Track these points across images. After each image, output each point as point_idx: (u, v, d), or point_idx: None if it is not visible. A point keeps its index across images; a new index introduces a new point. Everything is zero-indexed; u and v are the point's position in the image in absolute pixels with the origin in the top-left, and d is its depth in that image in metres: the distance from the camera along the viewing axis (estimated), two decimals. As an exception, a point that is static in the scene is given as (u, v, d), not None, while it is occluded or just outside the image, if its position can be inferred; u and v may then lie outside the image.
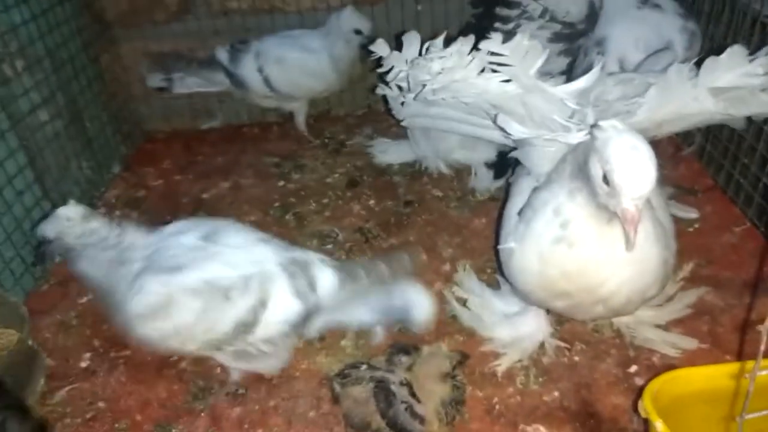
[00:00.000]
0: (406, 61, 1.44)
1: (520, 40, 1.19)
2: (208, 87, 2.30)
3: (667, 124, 1.23)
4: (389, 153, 2.22)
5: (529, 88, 1.23)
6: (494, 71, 1.25)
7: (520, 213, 1.27)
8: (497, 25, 2.00)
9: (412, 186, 2.08)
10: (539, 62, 1.21)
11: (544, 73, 2.00)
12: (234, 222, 1.41)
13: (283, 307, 1.27)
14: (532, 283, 1.23)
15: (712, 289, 1.49)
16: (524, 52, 1.20)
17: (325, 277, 1.31)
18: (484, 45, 1.23)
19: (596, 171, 1.02)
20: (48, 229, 1.30)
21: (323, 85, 2.25)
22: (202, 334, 1.24)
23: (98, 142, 2.18)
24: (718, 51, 1.15)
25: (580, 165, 1.10)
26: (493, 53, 1.23)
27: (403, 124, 1.81)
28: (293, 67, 2.19)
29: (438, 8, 2.36)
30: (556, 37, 2.00)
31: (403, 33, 1.49)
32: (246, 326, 1.24)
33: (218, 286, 1.23)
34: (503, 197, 1.56)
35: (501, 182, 1.95)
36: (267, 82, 2.20)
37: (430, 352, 1.32)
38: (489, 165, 1.95)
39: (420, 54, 1.41)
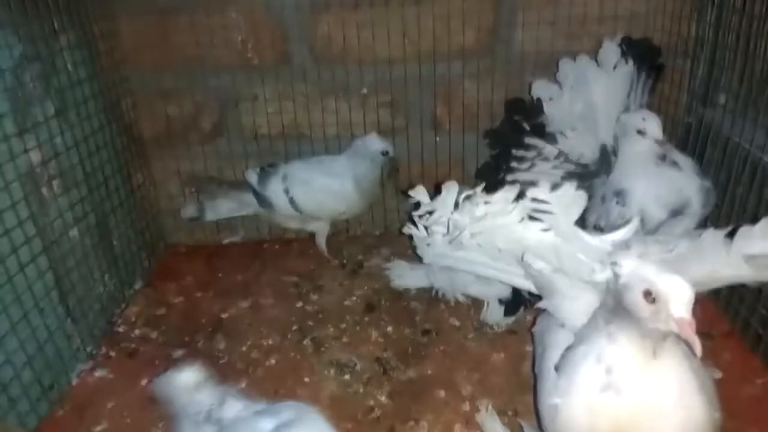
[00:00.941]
0: (453, 205, 1.51)
1: (567, 189, 1.26)
2: (238, 211, 2.39)
3: (698, 285, 1.27)
4: (406, 278, 2.25)
5: (567, 237, 1.29)
6: (533, 218, 1.32)
7: (557, 368, 1.28)
8: (513, 164, 2.11)
9: (430, 313, 2.10)
10: (580, 210, 1.27)
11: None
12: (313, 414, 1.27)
13: None
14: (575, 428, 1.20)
15: (737, 447, 1.47)
16: (570, 201, 1.26)
17: None
18: (531, 192, 1.29)
19: (636, 298, 1.05)
20: (161, 390, 1.30)
21: (345, 206, 2.33)
22: None
23: (123, 258, 2.23)
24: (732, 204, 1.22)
25: (612, 308, 1.14)
26: (537, 200, 1.29)
27: (425, 262, 1.85)
28: (318, 190, 2.28)
29: (456, 140, 2.47)
30: (569, 176, 2.10)
31: (440, 183, 1.58)
32: None
33: None
34: (534, 346, 1.57)
35: (511, 319, 1.98)
36: (293, 202, 2.28)
37: None
38: (501, 301, 1.98)
39: (457, 202, 1.48)
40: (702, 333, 1.84)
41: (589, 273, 1.29)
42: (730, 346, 1.82)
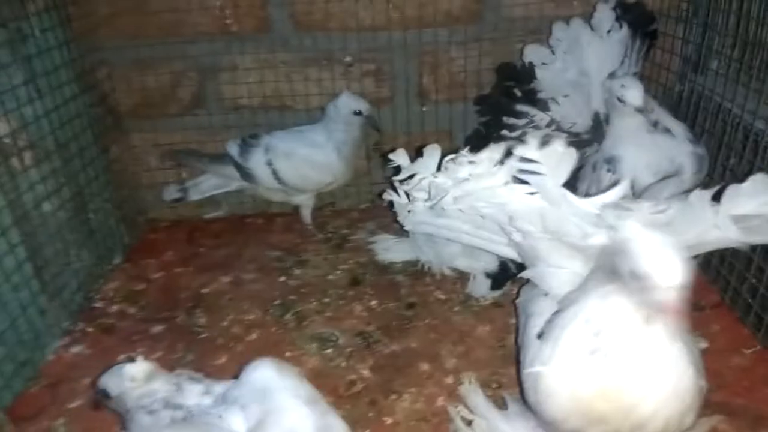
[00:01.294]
0: (435, 167, 1.45)
1: (556, 147, 1.20)
2: (221, 188, 2.33)
3: (687, 249, 1.22)
4: (392, 251, 2.21)
5: (555, 200, 1.23)
6: (519, 180, 1.27)
7: (540, 336, 1.24)
8: (504, 132, 2.05)
9: (415, 287, 2.06)
10: (570, 170, 1.21)
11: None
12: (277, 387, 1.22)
13: None
14: (565, 407, 1.15)
15: (725, 418, 1.44)
16: (558, 159, 1.20)
17: None
18: (519, 150, 1.24)
19: (625, 270, 1.01)
20: (111, 386, 1.25)
21: (331, 177, 2.27)
22: None
23: (101, 233, 2.17)
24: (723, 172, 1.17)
25: (609, 270, 1.09)
26: (525, 159, 1.24)
27: (407, 229, 1.81)
28: (301, 161, 2.22)
29: (443, 110, 2.41)
30: (560, 143, 2.05)
31: (422, 146, 1.53)
32: None
33: None
34: (517, 317, 1.53)
35: (498, 292, 1.94)
36: (276, 175, 2.22)
37: None
38: (488, 275, 1.93)
39: (439, 165, 1.43)
40: (693, 304, 1.84)
41: (581, 237, 1.24)
42: (719, 317, 1.79)
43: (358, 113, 2.15)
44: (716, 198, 1.14)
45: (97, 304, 2.02)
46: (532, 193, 1.26)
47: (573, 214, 1.23)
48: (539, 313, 1.32)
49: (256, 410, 1.15)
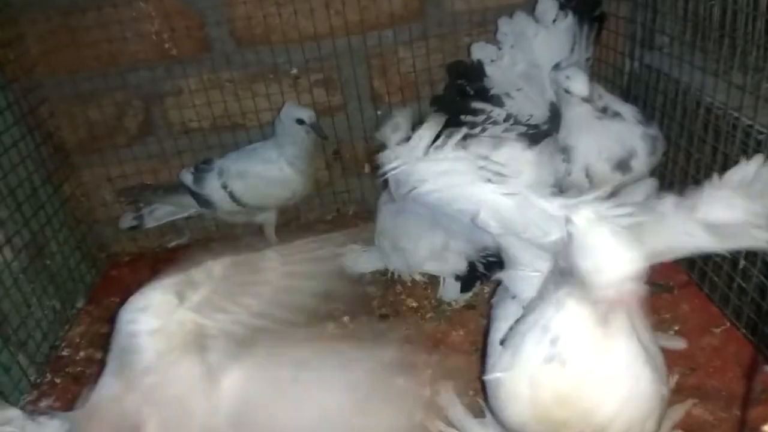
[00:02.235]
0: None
1: (513, 148, 1.19)
2: (178, 214, 2.28)
3: (658, 255, 1.21)
4: (360, 262, 2.18)
5: (521, 201, 1.22)
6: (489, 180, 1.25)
7: (503, 342, 1.22)
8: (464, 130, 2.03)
9: (386, 296, 2.03)
10: (533, 173, 1.20)
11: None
12: None
13: None
14: (524, 414, 1.14)
15: (699, 402, 1.44)
16: (517, 161, 1.19)
17: None
18: (476, 149, 1.22)
19: (577, 263, 0.98)
20: None
21: (289, 192, 2.23)
22: None
23: (61, 276, 2.12)
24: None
25: (563, 269, 1.07)
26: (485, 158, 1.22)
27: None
28: (256, 180, 2.17)
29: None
30: (521, 138, 2.02)
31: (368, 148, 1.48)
32: None
33: None
34: (487, 318, 1.51)
35: (468, 295, 1.93)
36: (233, 197, 2.17)
37: None
38: (457, 277, 1.92)
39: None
40: (662, 286, 1.85)
41: (542, 235, 1.22)
42: (688, 296, 1.79)
43: (300, 122, 2.10)
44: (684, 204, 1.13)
45: (64, 352, 1.97)
46: (500, 192, 1.24)
47: (537, 215, 1.22)
48: (504, 317, 1.29)
49: None
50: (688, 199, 1.16)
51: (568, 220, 1.03)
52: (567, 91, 1.76)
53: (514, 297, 1.33)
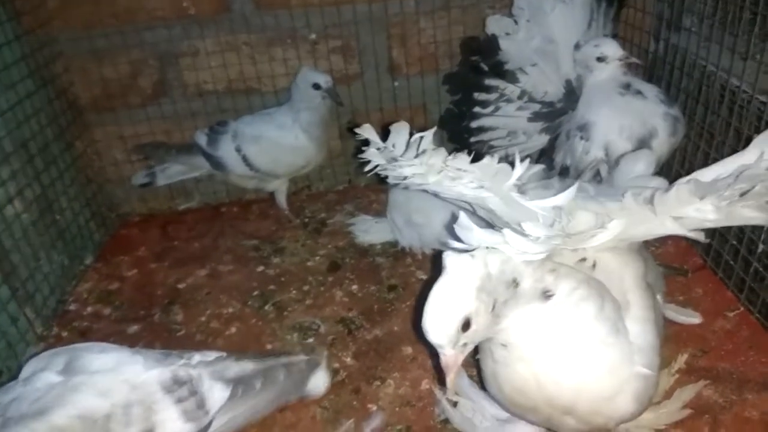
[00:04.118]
0: (384, 158, 1.40)
1: (489, 163, 1.16)
2: (190, 173, 2.27)
3: (644, 237, 1.19)
4: (371, 232, 2.17)
5: (503, 198, 1.19)
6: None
7: None
8: (477, 109, 2.00)
9: (396, 268, 2.02)
10: (512, 179, 1.16)
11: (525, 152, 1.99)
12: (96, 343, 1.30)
13: None
14: (499, 398, 1.20)
15: (710, 383, 1.43)
16: (494, 172, 1.16)
17: (216, 393, 1.24)
18: (451, 162, 1.19)
19: None
20: None
21: (303, 160, 2.21)
22: None
23: (70, 232, 2.11)
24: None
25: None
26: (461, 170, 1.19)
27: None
28: (270, 145, 2.15)
29: (415, 84, 2.35)
30: (535, 116, 2.00)
31: (390, 123, 1.46)
32: None
33: (95, 419, 1.12)
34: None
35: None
36: (246, 161, 2.16)
37: None
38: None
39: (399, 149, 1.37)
40: (676, 269, 1.83)
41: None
42: (702, 280, 1.77)
43: (316, 87, 2.07)
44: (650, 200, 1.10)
45: (71, 307, 1.97)
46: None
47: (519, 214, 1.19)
48: None
49: None
50: (648, 195, 1.13)
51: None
52: (600, 59, 1.73)
53: None
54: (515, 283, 1.01)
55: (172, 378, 1.21)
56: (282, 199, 2.34)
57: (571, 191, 1.09)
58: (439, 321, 0.96)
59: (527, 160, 1.18)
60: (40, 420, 1.11)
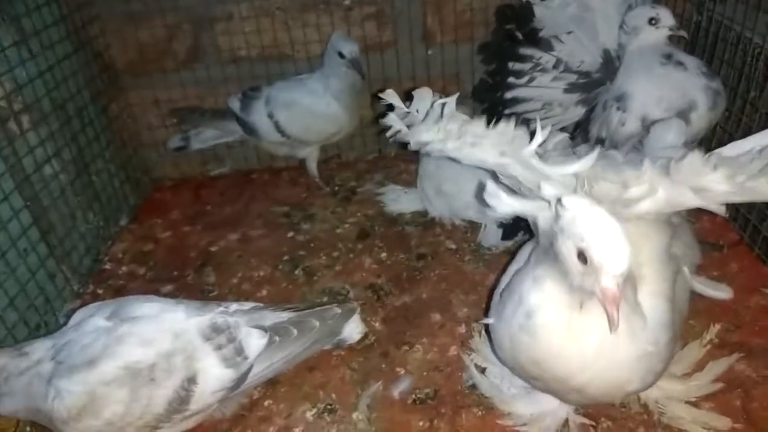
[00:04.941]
0: (405, 124, 1.40)
1: (505, 128, 1.15)
2: (223, 138, 2.29)
3: (669, 208, 1.17)
4: (401, 202, 2.17)
5: (524, 163, 1.18)
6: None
7: (502, 294, 1.23)
8: (511, 80, 1.97)
9: (425, 237, 2.02)
10: (533, 146, 1.14)
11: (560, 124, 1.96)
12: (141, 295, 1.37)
13: (215, 380, 1.24)
14: (508, 361, 1.20)
15: (742, 357, 1.42)
16: (510, 138, 1.15)
17: (253, 340, 1.29)
18: (467, 127, 1.18)
19: (568, 250, 0.97)
20: None
21: (334, 127, 2.21)
22: (138, 420, 1.19)
23: (106, 194, 2.15)
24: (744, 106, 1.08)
25: (545, 248, 1.06)
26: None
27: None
28: (302, 112, 2.15)
29: (449, 53, 2.32)
30: (572, 88, 1.96)
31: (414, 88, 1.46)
32: (180, 402, 1.20)
33: (140, 369, 1.18)
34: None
35: (509, 243, 1.90)
36: (278, 127, 2.17)
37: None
38: (501, 224, 1.89)
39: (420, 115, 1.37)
40: (711, 244, 1.80)
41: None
42: (738, 256, 1.74)
43: (341, 55, 2.05)
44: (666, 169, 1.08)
45: (107, 266, 2.02)
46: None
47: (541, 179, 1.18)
48: (517, 260, 1.30)
49: None
50: (664, 164, 1.11)
51: (558, 201, 1.00)
52: (652, 20, 1.70)
53: (539, 242, 1.30)
54: None
55: (210, 326, 1.26)
56: (313, 167, 2.35)
57: (591, 158, 1.08)
58: (625, 244, 0.93)
59: (549, 127, 1.18)
60: (90, 372, 1.16)
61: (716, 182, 1.04)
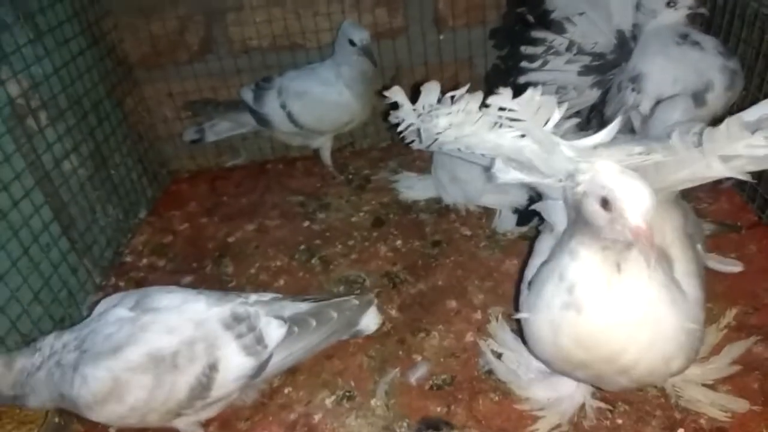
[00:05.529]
0: (417, 115, 1.39)
1: (532, 95, 1.14)
2: (238, 129, 2.31)
3: (685, 184, 1.16)
4: (415, 189, 2.18)
5: (542, 143, 1.18)
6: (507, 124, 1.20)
7: (530, 284, 1.22)
8: (524, 64, 1.95)
9: (440, 224, 2.03)
10: (555, 117, 1.14)
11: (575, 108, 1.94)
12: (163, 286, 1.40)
13: (235, 368, 1.26)
14: (549, 353, 1.18)
15: (761, 340, 1.41)
16: (536, 107, 1.14)
17: (273, 330, 1.31)
18: (493, 101, 1.17)
19: (593, 206, 0.98)
20: None
21: (348, 115, 2.21)
22: (161, 405, 1.22)
23: (124, 187, 2.19)
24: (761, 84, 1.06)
25: (573, 219, 1.06)
26: (503, 109, 1.17)
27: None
28: (315, 101, 2.16)
29: (461, 37, 2.30)
30: (586, 70, 1.94)
31: (421, 83, 1.45)
32: (201, 389, 1.23)
33: (164, 356, 1.21)
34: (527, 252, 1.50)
35: (524, 228, 1.89)
36: (290, 117, 2.17)
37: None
38: (516, 210, 1.88)
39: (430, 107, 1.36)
40: (729, 225, 1.79)
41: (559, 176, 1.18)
42: (757, 237, 1.73)
43: (352, 43, 2.04)
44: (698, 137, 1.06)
45: (127, 259, 2.05)
46: (521, 136, 1.20)
47: (561, 156, 1.17)
48: (539, 252, 1.29)
49: None
50: (696, 133, 1.09)
51: (577, 170, 1.01)
52: (670, 3, 1.68)
53: (552, 231, 1.30)
54: None
55: (231, 315, 1.28)
56: (326, 156, 2.36)
57: (613, 127, 1.08)
58: (645, 186, 0.94)
59: (566, 104, 1.17)
60: (114, 358, 1.19)
61: (756, 146, 1.02)
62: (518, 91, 2.03)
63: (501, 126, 1.17)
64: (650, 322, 1.04)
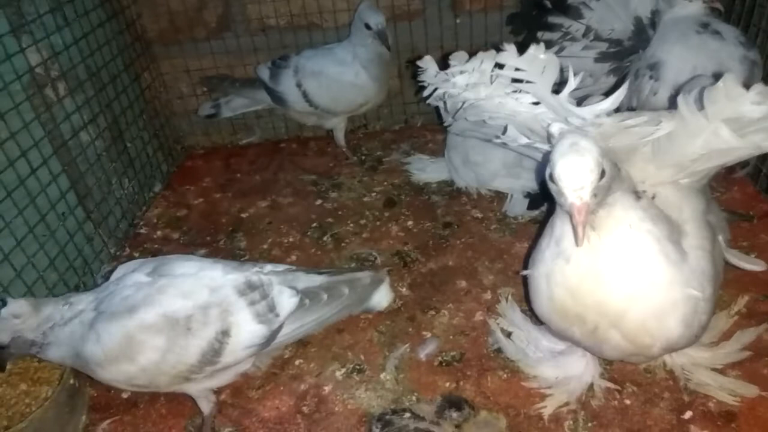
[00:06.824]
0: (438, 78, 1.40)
1: (535, 52, 1.15)
2: (253, 106, 2.32)
3: (702, 160, 1.16)
4: (427, 171, 2.18)
5: (555, 108, 1.18)
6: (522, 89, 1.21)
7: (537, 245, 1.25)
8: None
9: (451, 206, 2.04)
10: (556, 74, 1.15)
11: (590, 92, 1.94)
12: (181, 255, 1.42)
13: (247, 334, 1.28)
14: (547, 307, 1.20)
15: (771, 328, 1.42)
16: (542, 65, 1.15)
17: (285, 299, 1.32)
18: (499, 57, 1.19)
19: (546, 178, 1.02)
20: (1, 337, 1.23)
21: (363, 97, 2.22)
22: (171, 368, 1.24)
23: (140, 161, 2.20)
24: None
25: None
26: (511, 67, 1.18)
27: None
28: (330, 81, 2.16)
29: (478, 22, 2.30)
30: (603, 57, 1.94)
31: (448, 52, 1.46)
32: (213, 354, 1.25)
33: (178, 318, 1.22)
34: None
35: (534, 213, 1.90)
36: (306, 96, 2.18)
37: (485, 420, 1.28)
38: (527, 194, 1.89)
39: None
40: (741, 214, 1.78)
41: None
42: (768, 228, 1.73)
43: (367, 26, 2.05)
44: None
45: (142, 230, 2.08)
46: (536, 103, 1.21)
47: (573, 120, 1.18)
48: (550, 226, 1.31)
49: None
50: (697, 97, 1.10)
51: (549, 133, 1.05)
52: None
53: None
54: (617, 167, 1.05)
55: (245, 282, 1.30)
56: (340, 137, 2.37)
57: (620, 93, 1.09)
58: (586, 162, 0.97)
59: (581, 74, 1.19)
60: (130, 317, 1.21)
61: (754, 103, 1.02)
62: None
63: (515, 91, 1.19)
64: (637, 270, 1.07)
